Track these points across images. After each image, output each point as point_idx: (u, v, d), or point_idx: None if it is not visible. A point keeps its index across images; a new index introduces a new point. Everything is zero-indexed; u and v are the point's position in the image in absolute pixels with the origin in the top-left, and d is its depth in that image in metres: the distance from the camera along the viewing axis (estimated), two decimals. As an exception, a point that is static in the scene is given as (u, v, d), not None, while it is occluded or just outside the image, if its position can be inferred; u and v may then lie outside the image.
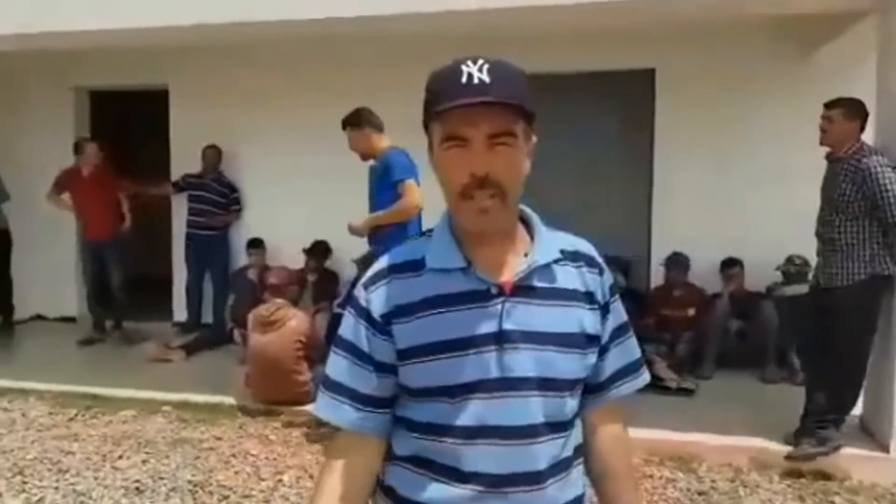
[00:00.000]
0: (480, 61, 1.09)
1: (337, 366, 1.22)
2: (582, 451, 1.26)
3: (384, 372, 1.18)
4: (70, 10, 4.81)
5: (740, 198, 5.75)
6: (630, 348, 1.30)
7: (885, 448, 3.81)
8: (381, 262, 1.22)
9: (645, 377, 1.32)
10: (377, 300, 1.18)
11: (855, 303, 3.74)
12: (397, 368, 1.17)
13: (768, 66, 5.71)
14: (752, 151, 5.73)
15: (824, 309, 3.89)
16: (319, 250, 6.37)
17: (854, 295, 3.73)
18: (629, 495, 1.30)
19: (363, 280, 1.23)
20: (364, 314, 1.19)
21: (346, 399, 1.20)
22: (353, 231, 4.32)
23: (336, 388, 1.21)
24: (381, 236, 4.15)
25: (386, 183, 4.14)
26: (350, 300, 1.24)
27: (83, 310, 7.39)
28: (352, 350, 1.20)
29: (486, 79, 1.07)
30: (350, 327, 1.21)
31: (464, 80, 1.07)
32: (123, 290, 6.55)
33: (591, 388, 1.26)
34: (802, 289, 4.64)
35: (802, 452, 3.77)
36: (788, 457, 3.79)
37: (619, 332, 1.27)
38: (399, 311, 1.16)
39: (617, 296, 1.27)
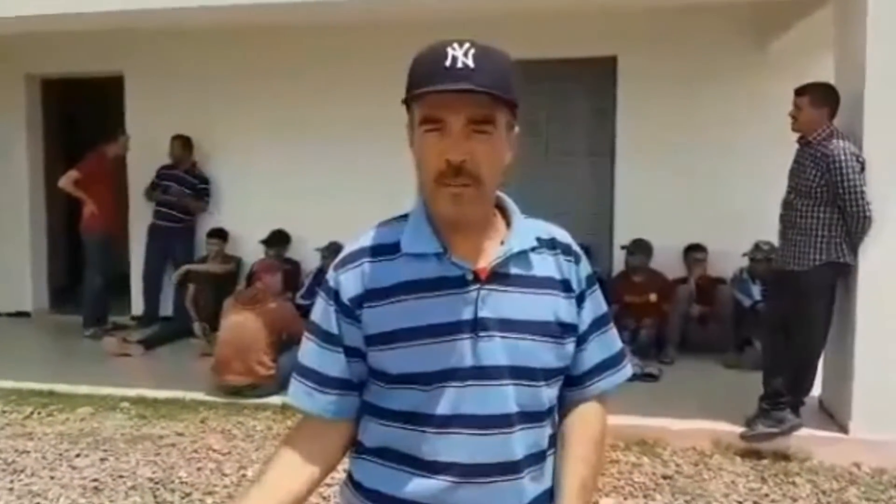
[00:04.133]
0: (467, 45, 1.07)
1: (308, 350, 1.21)
2: (554, 441, 1.23)
3: (353, 356, 1.17)
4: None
5: (702, 183, 5.80)
6: (610, 341, 1.27)
7: (843, 429, 3.89)
8: (354, 245, 1.20)
9: (626, 371, 1.29)
10: (347, 283, 1.16)
11: (810, 287, 3.78)
12: (366, 354, 1.16)
13: (730, 52, 5.77)
14: (714, 137, 5.78)
15: (781, 292, 3.96)
16: (278, 240, 6.29)
17: (810, 280, 3.78)
18: (570, 466, 1.20)
19: (335, 262, 1.21)
20: (333, 296, 1.17)
21: (315, 385, 1.18)
22: None
23: (307, 373, 1.20)
24: None
25: None
26: (321, 284, 1.22)
27: (38, 304, 7.22)
28: (321, 334, 1.19)
29: (471, 64, 1.05)
30: (320, 310, 1.19)
31: (447, 63, 1.05)
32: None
33: (570, 381, 1.24)
34: None
35: (755, 432, 3.83)
36: (743, 437, 3.85)
37: (599, 323, 1.25)
38: (370, 295, 1.14)
39: (596, 287, 1.25)
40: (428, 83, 1.05)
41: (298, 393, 1.21)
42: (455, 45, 1.07)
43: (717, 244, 5.63)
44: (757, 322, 5.11)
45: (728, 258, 5.56)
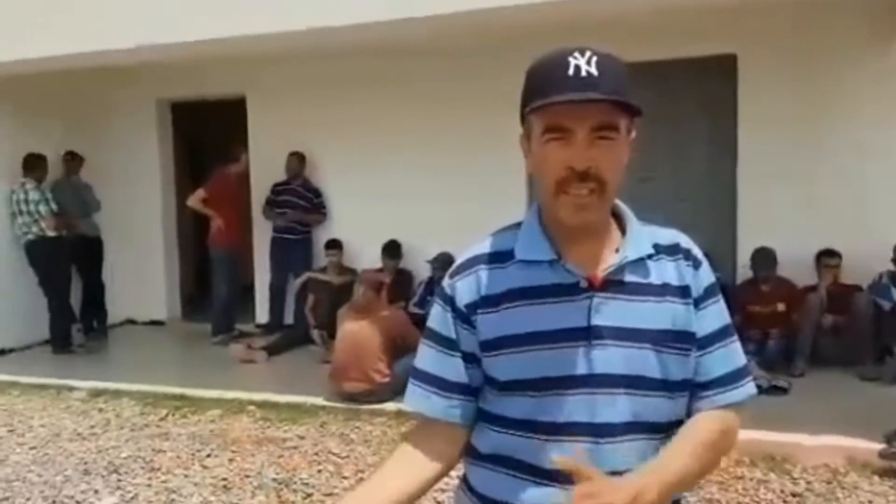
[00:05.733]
0: (588, 53, 1.06)
1: (425, 355, 1.23)
2: None
3: (470, 362, 1.19)
4: (153, 25, 5.00)
5: (832, 185, 5.45)
6: (733, 355, 1.20)
7: None
8: (469, 253, 1.22)
9: (748, 389, 1.20)
10: (462, 289, 1.19)
11: None
12: (481, 360, 1.17)
13: (859, 47, 5.40)
14: (845, 137, 5.42)
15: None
16: (394, 249, 6.43)
17: None
18: (671, 453, 1.11)
19: (451, 269, 1.23)
20: (450, 302, 1.20)
21: (434, 388, 1.21)
22: None
23: (424, 377, 1.22)
24: None
25: None
26: (433, 292, 1.26)
27: (172, 314, 7.70)
28: (438, 339, 1.21)
29: (595, 72, 1.05)
30: (437, 316, 1.22)
31: (570, 72, 1.05)
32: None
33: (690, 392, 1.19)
34: None
35: (894, 450, 3.56)
36: (882, 454, 3.60)
37: (721, 335, 1.19)
38: (484, 302, 1.16)
39: (719, 297, 1.20)
40: (553, 93, 1.04)
41: (415, 396, 1.23)
42: (576, 53, 1.06)
43: (852, 250, 5.26)
44: (897, 330, 4.75)
45: (864, 264, 5.18)
